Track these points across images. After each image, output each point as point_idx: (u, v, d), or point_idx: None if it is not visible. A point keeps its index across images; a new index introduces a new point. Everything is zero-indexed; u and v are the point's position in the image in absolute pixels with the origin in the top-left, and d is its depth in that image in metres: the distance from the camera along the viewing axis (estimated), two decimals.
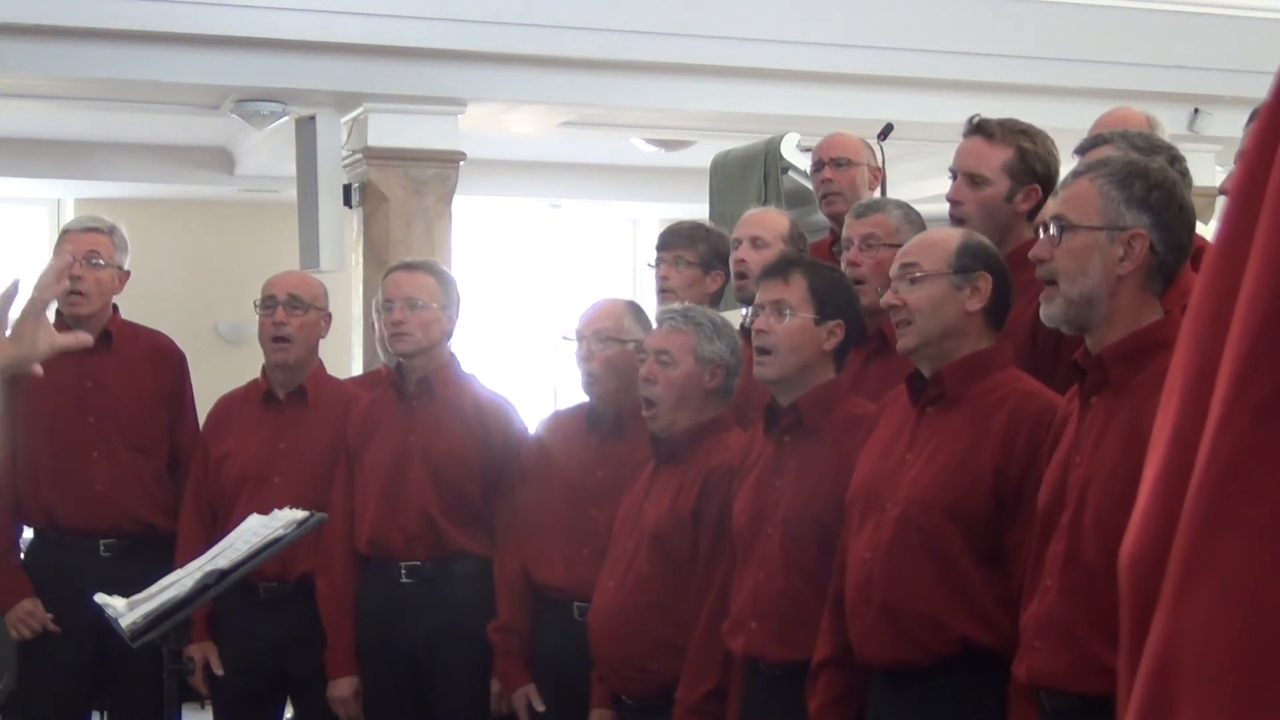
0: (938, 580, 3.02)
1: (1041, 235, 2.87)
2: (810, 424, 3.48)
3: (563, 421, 4.36)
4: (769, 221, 4.32)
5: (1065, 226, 2.77)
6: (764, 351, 3.50)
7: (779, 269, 3.55)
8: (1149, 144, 3.45)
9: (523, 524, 4.27)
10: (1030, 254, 2.85)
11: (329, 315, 4.73)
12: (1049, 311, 2.82)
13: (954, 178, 3.71)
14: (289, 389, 4.66)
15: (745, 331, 4.29)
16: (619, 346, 4.13)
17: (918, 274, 3.15)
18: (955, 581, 3.00)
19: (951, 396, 3.12)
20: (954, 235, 3.25)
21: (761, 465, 3.55)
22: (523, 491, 4.31)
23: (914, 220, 3.91)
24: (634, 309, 4.27)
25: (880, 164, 5.11)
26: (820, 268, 3.59)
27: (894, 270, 3.21)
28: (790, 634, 3.38)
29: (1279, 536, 0.59)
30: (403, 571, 4.39)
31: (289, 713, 4.86)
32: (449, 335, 4.53)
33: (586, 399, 4.26)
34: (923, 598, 3.02)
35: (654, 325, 3.96)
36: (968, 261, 3.15)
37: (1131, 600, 0.86)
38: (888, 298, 3.19)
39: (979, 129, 3.69)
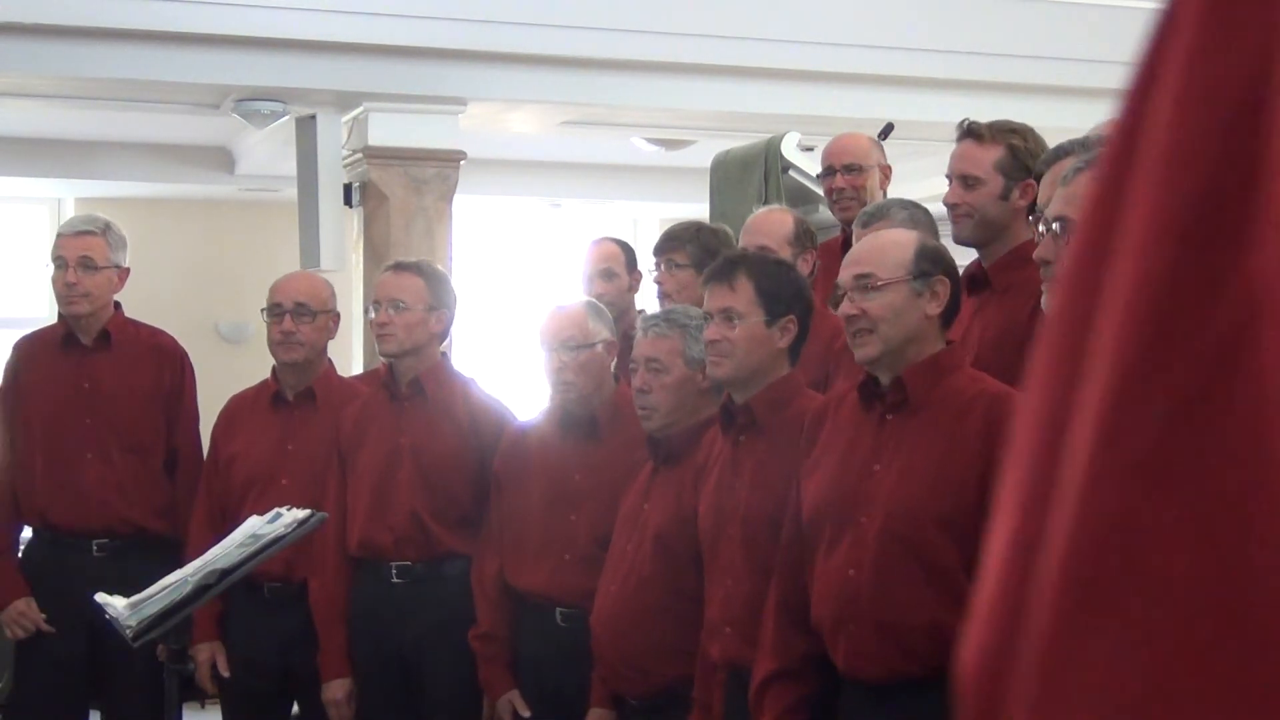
0: (934, 591, 2.98)
1: (1040, 233, 2.83)
2: (763, 423, 3.47)
3: (534, 428, 4.35)
4: (772, 227, 4.31)
5: (1072, 228, 2.71)
6: (717, 354, 3.49)
7: (723, 274, 3.52)
8: None
9: (502, 532, 4.27)
10: (1034, 255, 2.82)
11: (337, 315, 4.72)
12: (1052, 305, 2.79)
13: (950, 183, 3.73)
14: (298, 390, 4.65)
15: None
16: (589, 351, 4.14)
17: (878, 283, 3.10)
18: (952, 592, 2.96)
19: (915, 403, 3.09)
20: (909, 239, 3.21)
21: (720, 466, 3.55)
22: (500, 500, 4.30)
23: (921, 221, 3.90)
24: (593, 308, 4.27)
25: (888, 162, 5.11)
26: (766, 264, 3.57)
27: (847, 279, 3.17)
28: None
29: (1163, 632, 0.42)
30: (393, 572, 4.38)
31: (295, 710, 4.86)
32: (440, 337, 4.52)
33: (553, 404, 4.25)
34: (922, 610, 2.98)
35: (640, 333, 3.95)
36: (927, 266, 3.12)
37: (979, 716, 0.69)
38: (845, 308, 3.14)
39: (969, 132, 3.71)
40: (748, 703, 3.37)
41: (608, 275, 4.88)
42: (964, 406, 3.05)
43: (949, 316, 3.17)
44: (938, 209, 4.08)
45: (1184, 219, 0.45)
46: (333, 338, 4.72)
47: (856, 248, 3.28)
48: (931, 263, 3.13)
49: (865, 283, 3.12)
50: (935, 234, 4.05)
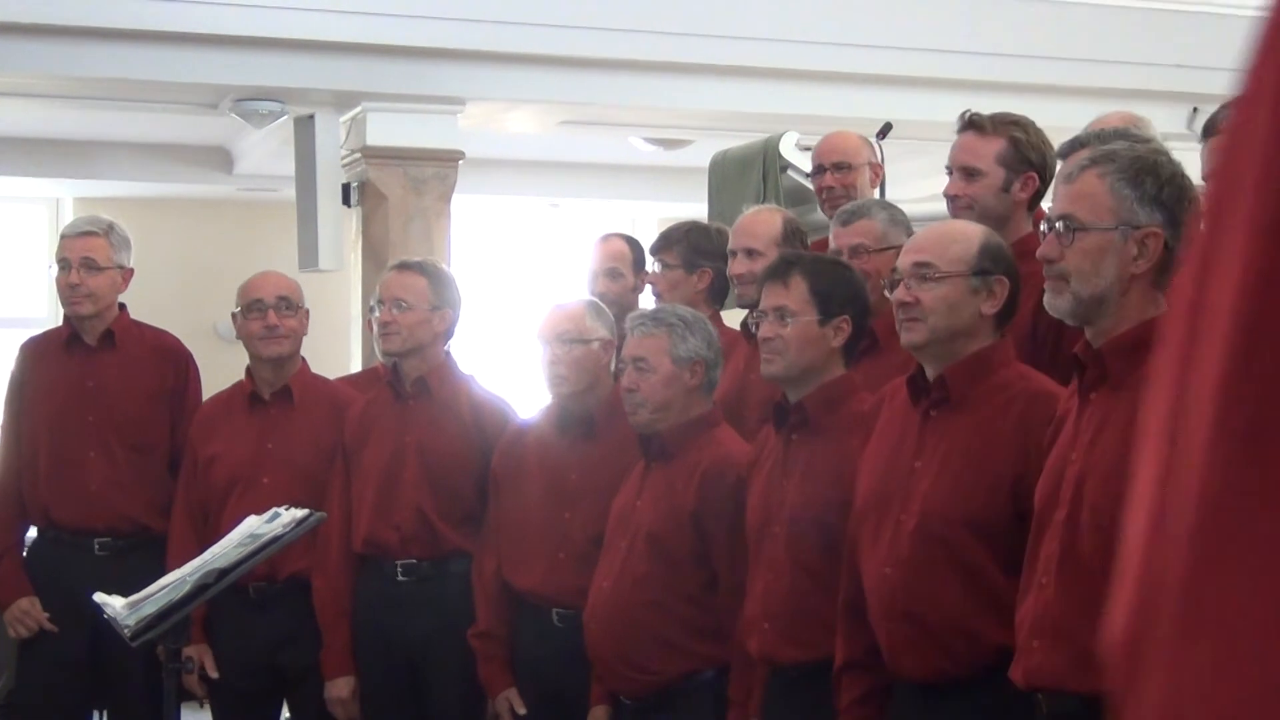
0: (966, 592, 2.97)
1: (1044, 231, 2.81)
2: (815, 422, 3.47)
3: (532, 427, 4.36)
4: (760, 228, 4.29)
5: (1076, 227, 2.69)
6: (770, 352, 3.49)
7: (778, 272, 3.53)
8: (1122, 138, 3.42)
9: (500, 532, 4.28)
10: (1038, 254, 2.78)
11: (308, 312, 4.74)
12: (1056, 304, 2.76)
13: (950, 174, 3.73)
14: (275, 389, 4.66)
15: (746, 329, 4.29)
16: (584, 347, 4.15)
17: (937, 273, 3.08)
18: (984, 592, 2.96)
19: (956, 399, 3.07)
20: (975, 234, 3.17)
21: (770, 464, 3.55)
22: (497, 500, 4.31)
23: (900, 221, 3.90)
24: (593, 307, 4.29)
25: (880, 160, 5.11)
26: (822, 265, 3.58)
27: (906, 264, 3.13)
28: (802, 635, 3.37)
29: (1273, 582, 0.52)
30: (398, 570, 4.39)
31: (286, 712, 4.86)
32: (445, 336, 4.54)
33: (551, 402, 4.27)
34: (953, 610, 2.97)
35: (628, 333, 3.96)
36: (988, 264, 3.10)
37: (1126, 686, 0.76)
38: (899, 293, 3.10)
39: (970, 124, 3.70)
40: (784, 698, 3.37)
41: (613, 275, 4.86)
42: (1004, 405, 3.03)
43: (1005, 317, 3.14)
44: (936, 207, 4.08)
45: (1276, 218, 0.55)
46: (306, 334, 4.73)
47: (920, 235, 3.24)
48: (993, 261, 3.11)
49: (924, 271, 3.08)
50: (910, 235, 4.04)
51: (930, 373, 3.13)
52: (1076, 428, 2.74)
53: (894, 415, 3.21)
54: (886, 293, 3.21)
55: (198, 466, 4.65)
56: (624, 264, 4.88)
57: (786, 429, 3.53)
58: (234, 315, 4.67)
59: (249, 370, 4.72)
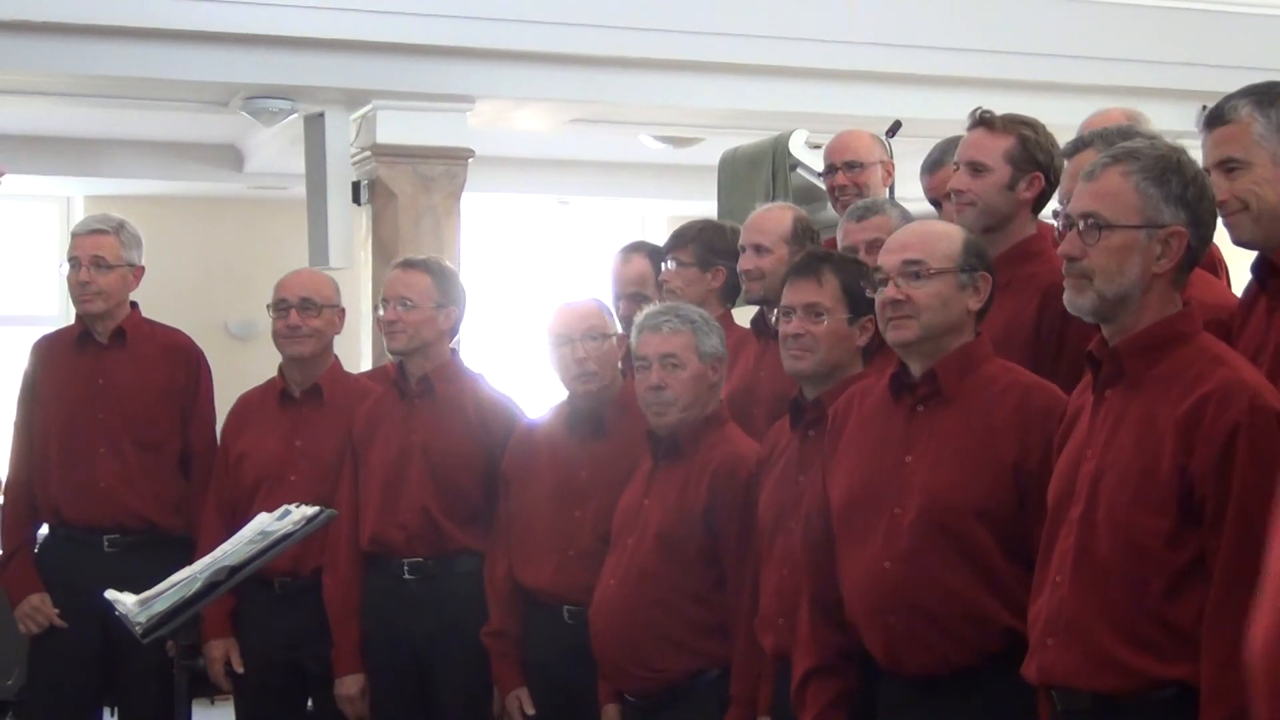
0: (974, 578, 2.97)
1: (1059, 227, 2.80)
2: None
3: (541, 425, 4.36)
4: (770, 225, 4.28)
5: (1102, 225, 2.68)
6: (800, 348, 3.48)
7: (809, 269, 3.52)
8: (1125, 137, 3.42)
9: (510, 530, 4.28)
10: (1059, 251, 2.77)
11: (343, 311, 4.74)
12: (1077, 302, 2.74)
13: (958, 169, 3.73)
14: (305, 387, 4.67)
15: (758, 326, 4.29)
16: (607, 342, 4.17)
17: (929, 270, 3.10)
18: (991, 578, 2.97)
19: (947, 393, 3.09)
20: (957, 232, 3.23)
21: (785, 460, 3.55)
22: (508, 498, 4.31)
23: (909, 219, 3.92)
24: (604, 304, 4.32)
25: (891, 158, 5.11)
26: (850, 264, 3.58)
27: (893, 263, 3.15)
28: None
29: None
30: (405, 569, 4.40)
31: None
32: (450, 334, 4.54)
33: (562, 401, 4.27)
34: (962, 597, 2.97)
35: (638, 332, 3.94)
36: (974, 260, 3.14)
37: (1270, 692, 0.77)
38: (889, 292, 3.12)
39: (981, 121, 3.71)
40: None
41: (635, 298, 4.68)
42: (996, 397, 3.06)
43: (983, 313, 3.18)
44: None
45: None
46: (338, 333, 4.74)
47: (903, 234, 3.26)
48: (977, 257, 3.16)
49: (915, 269, 3.11)
50: None
51: (916, 369, 3.14)
52: (1091, 425, 2.75)
53: (866, 416, 3.21)
54: (869, 292, 3.22)
55: (228, 464, 4.67)
56: (648, 286, 4.77)
57: (803, 425, 3.53)
58: (269, 308, 4.69)
59: (281, 368, 4.74)
